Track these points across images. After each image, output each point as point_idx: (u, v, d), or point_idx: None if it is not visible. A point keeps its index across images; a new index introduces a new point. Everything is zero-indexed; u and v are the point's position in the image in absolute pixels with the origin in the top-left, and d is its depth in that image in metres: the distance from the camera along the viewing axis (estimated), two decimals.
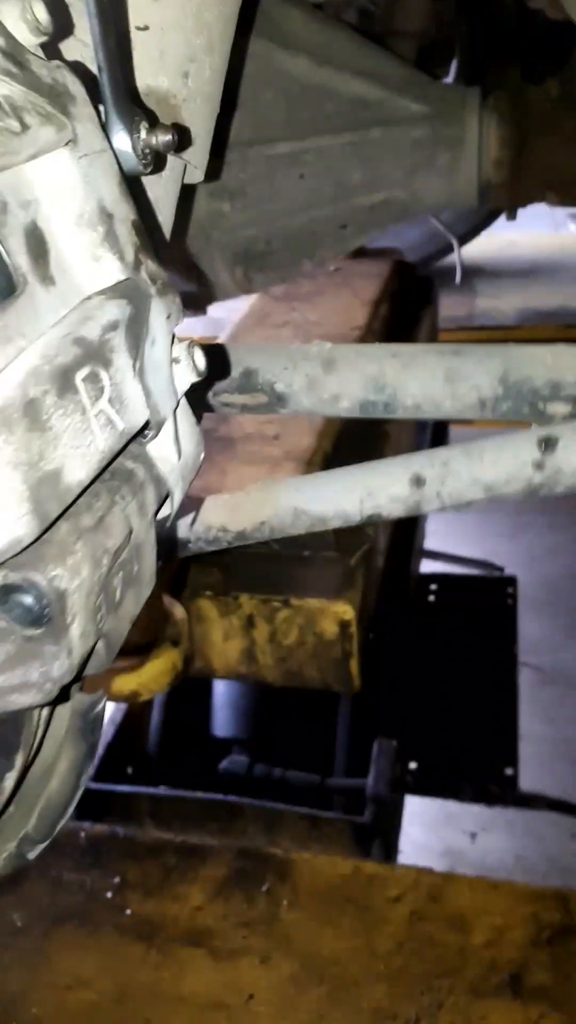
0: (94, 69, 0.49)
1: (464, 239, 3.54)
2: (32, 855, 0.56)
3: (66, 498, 0.38)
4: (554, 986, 1.22)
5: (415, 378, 0.84)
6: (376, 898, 1.36)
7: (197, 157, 0.70)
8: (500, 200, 1.46)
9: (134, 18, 0.63)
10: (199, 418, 0.60)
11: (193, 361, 0.49)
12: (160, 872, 1.43)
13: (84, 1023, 1.24)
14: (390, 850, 1.77)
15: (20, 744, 0.49)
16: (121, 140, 0.48)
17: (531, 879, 2.39)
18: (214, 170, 1.29)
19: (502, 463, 0.73)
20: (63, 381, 0.38)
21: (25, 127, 0.37)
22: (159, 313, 0.46)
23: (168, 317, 0.47)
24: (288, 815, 1.71)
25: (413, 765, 2.00)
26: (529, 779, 2.39)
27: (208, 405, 0.94)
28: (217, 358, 0.81)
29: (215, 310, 2.03)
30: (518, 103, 1.39)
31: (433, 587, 2.60)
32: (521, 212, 1.57)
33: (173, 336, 0.48)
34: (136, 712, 2.01)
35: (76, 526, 0.39)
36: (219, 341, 2.19)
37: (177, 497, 0.50)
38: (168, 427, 0.47)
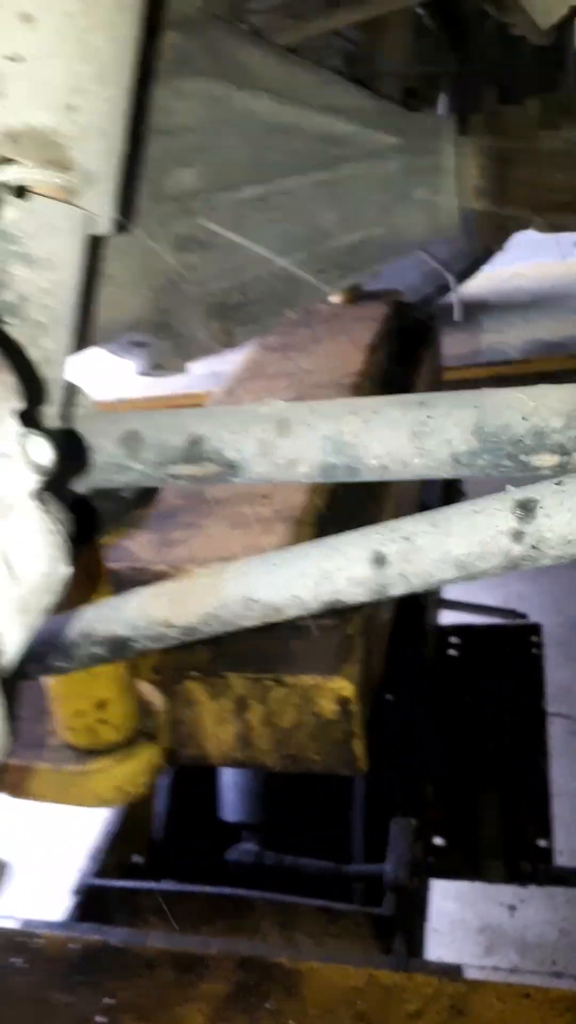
0: None
1: (464, 275, 3.45)
2: None
3: None
4: None
5: (378, 436, 0.73)
6: (393, 1014, 1.21)
7: (96, 204, 0.60)
8: (485, 230, 1.36)
9: (3, 47, 0.54)
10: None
11: (29, 455, 0.38)
12: (155, 991, 1.29)
13: None
14: (415, 942, 1.61)
15: None
16: None
17: None
18: (166, 217, 1.20)
19: (474, 535, 0.61)
20: None
21: None
22: None
23: None
24: (303, 908, 1.57)
25: (438, 840, 1.85)
26: (568, 839, 2.22)
27: (156, 478, 0.83)
28: (75, 439, 0.71)
29: (215, 364, 1.96)
30: (496, 126, 1.30)
31: (454, 640, 2.46)
32: (525, 242, 1.47)
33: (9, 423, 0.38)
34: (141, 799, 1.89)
35: None
36: (213, 392, 2.11)
37: (15, 636, 0.38)
38: None
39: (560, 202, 1.27)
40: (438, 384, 2.74)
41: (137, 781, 1.11)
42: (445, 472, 0.73)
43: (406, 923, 1.54)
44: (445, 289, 3.13)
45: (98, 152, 0.60)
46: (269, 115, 1.28)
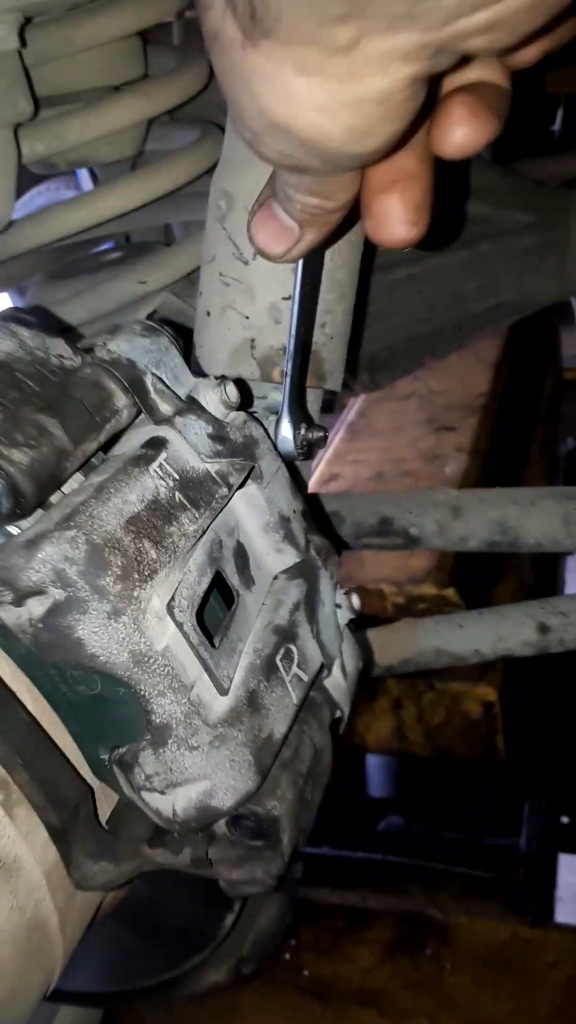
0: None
1: None
2: (246, 971, 0.72)
3: (276, 750, 0.53)
4: None
5: (535, 522, 0.95)
6: (533, 963, 1.45)
7: (334, 382, 0.85)
8: None
9: (280, 290, 0.80)
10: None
11: (351, 603, 0.64)
12: (331, 934, 1.58)
13: None
14: (546, 908, 1.83)
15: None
16: (287, 439, 0.64)
17: None
18: None
19: None
20: (269, 668, 0.53)
21: (230, 486, 0.53)
22: (326, 578, 0.61)
23: (332, 576, 0.62)
24: (445, 875, 1.81)
25: (565, 819, 2.05)
26: None
27: (351, 547, 1.08)
28: None
29: None
30: None
31: None
32: None
33: (336, 585, 0.63)
34: None
35: (281, 761, 0.54)
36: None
37: (347, 709, 0.64)
38: (337, 661, 0.62)
39: None
40: (562, 389, 2.88)
41: None
42: None
43: (538, 890, 1.77)
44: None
45: (336, 349, 0.85)
46: None
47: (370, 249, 0.88)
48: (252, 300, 0.80)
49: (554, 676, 2.31)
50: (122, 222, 1.12)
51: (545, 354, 2.77)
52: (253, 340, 0.80)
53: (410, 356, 1.71)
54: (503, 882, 1.77)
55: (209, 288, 0.83)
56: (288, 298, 0.80)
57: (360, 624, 1.19)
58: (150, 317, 1.05)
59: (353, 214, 0.55)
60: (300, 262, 0.61)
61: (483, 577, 1.75)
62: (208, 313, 0.82)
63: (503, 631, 0.89)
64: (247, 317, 0.80)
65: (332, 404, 1.78)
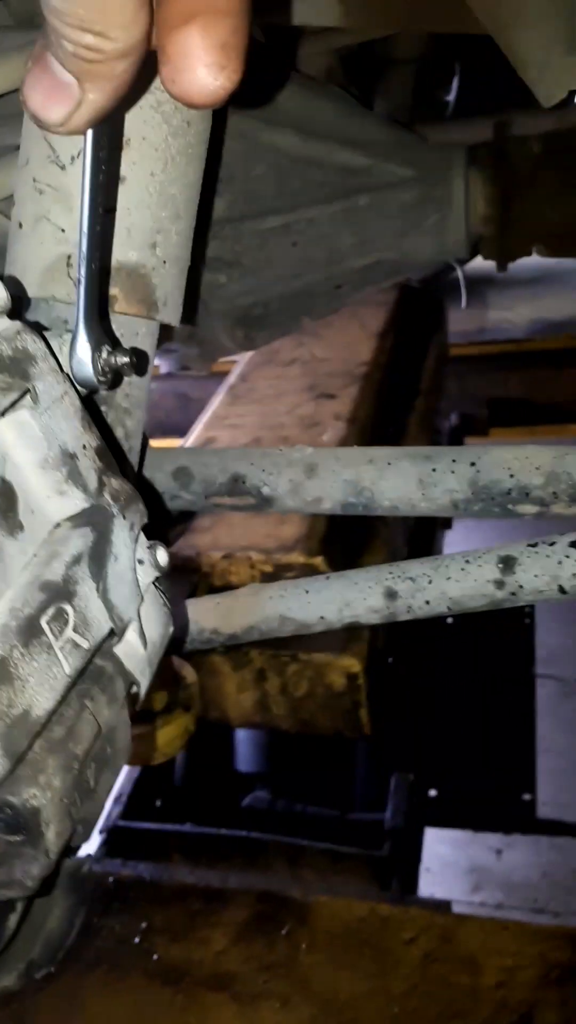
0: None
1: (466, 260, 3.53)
2: (38, 975, 0.63)
3: (35, 728, 0.44)
4: None
5: (390, 483, 0.89)
6: (391, 940, 1.41)
7: (169, 314, 0.75)
8: (490, 254, 1.50)
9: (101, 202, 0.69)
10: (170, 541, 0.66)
11: (156, 559, 0.55)
12: (185, 916, 1.50)
13: None
14: (409, 881, 1.82)
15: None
16: (83, 362, 0.54)
17: (557, 895, 2.43)
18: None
19: (466, 580, 0.78)
20: (28, 631, 0.44)
21: None
22: (122, 528, 0.52)
23: (131, 527, 0.53)
24: (310, 850, 1.78)
25: (432, 792, 2.05)
26: (554, 791, 2.43)
27: (200, 506, 0.99)
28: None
29: None
30: (501, 162, 1.43)
31: None
32: None
33: (138, 537, 0.54)
34: None
35: (48, 741, 0.45)
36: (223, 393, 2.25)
37: (144, 683, 0.55)
38: (134, 625, 0.53)
39: (557, 234, 1.40)
40: (446, 364, 2.87)
41: (174, 744, 1.30)
42: (445, 514, 0.89)
43: (402, 865, 1.75)
44: (452, 269, 3.24)
45: (171, 274, 0.75)
46: (293, 150, 1.41)
47: (212, 166, 0.79)
48: (69, 211, 0.69)
49: (419, 647, 2.31)
50: None
51: (430, 328, 2.75)
52: (69, 257, 0.70)
53: (286, 314, 1.63)
54: (367, 857, 1.75)
55: (22, 196, 0.72)
56: (111, 211, 0.70)
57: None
58: None
59: (149, 74, 0.45)
60: (89, 138, 0.51)
61: (354, 547, 1.70)
62: (20, 225, 0.72)
63: (349, 597, 0.83)
64: (63, 230, 0.69)
65: (203, 361, 1.68)
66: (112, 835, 1.93)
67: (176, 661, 1.47)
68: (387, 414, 2.17)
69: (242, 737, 2.06)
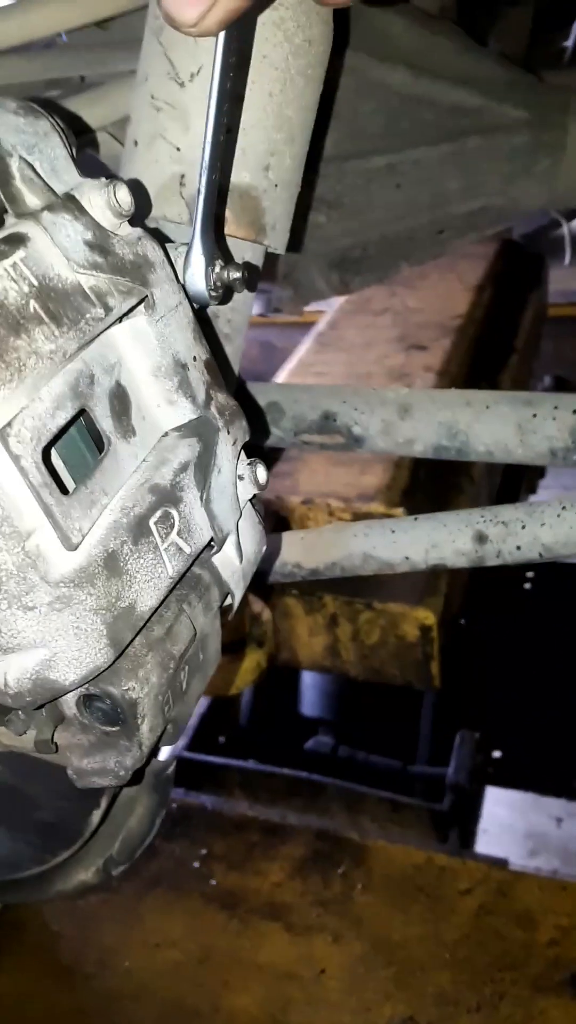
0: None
1: (574, 214, 3.39)
2: (115, 872, 0.65)
3: (138, 624, 0.45)
4: None
5: (488, 427, 0.87)
6: (446, 889, 1.43)
7: (277, 240, 0.75)
8: None
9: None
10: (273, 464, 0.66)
11: (256, 476, 0.55)
12: (244, 847, 1.54)
13: (169, 979, 1.37)
14: (467, 838, 1.83)
15: (104, 790, 0.58)
16: (196, 275, 0.54)
17: None
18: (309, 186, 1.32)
19: (561, 527, 0.76)
20: (138, 529, 0.45)
21: (108, 309, 0.43)
22: (226, 442, 0.52)
23: (234, 443, 0.53)
24: (369, 797, 1.80)
25: (497, 754, 2.04)
26: None
27: (289, 443, 0.99)
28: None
29: None
30: None
31: (529, 574, 2.61)
32: None
33: (240, 454, 0.54)
34: None
35: (147, 639, 0.47)
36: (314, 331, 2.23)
37: (238, 595, 0.56)
38: (231, 538, 0.54)
39: None
40: (543, 323, 2.79)
41: (247, 677, 1.32)
42: (542, 462, 0.87)
43: (461, 820, 1.76)
44: (556, 224, 3.11)
45: (282, 199, 0.74)
46: (404, 87, 1.37)
47: (329, 94, 0.77)
48: (186, 129, 0.69)
49: (498, 606, 2.28)
50: (72, 64, 1.00)
51: (530, 285, 2.67)
52: (183, 176, 0.69)
53: (385, 258, 1.60)
54: (427, 809, 1.76)
55: (139, 113, 0.72)
56: (231, 129, 0.69)
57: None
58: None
59: None
60: (221, 41, 0.51)
61: (436, 502, 1.69)
62: (136, 143, 0.72)
63: (437, 538, 0.82)
64: (178, 149, 0.69)
65: (296, 304, 1.67)
66: (177, 766, 1.98)
67: (253, 600, 1.49)
68: (479, 370, 2.12)
69: (309, 681, 2.08)
